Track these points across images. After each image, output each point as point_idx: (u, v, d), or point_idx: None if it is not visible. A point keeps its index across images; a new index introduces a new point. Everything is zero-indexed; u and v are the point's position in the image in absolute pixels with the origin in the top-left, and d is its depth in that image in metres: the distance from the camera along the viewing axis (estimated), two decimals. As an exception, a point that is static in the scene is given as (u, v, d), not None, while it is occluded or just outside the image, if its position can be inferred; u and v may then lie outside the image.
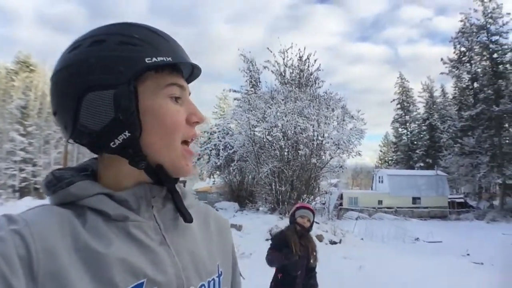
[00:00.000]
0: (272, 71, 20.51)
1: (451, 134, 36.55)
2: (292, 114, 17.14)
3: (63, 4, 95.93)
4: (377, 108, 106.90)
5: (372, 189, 43.88)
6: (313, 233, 14.10)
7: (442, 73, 38.70)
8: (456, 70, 36.64)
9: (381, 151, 71.40)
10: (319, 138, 18.29)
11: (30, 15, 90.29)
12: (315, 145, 18.04)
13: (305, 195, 18.00)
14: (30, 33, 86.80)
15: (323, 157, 18.85)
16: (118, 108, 0.66)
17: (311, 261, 3.85)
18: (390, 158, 64.00)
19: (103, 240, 0.64)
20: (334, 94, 19.39)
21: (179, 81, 0.74)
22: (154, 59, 0.68)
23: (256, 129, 18.96)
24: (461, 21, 37.15)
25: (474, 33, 35.72)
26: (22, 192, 39.28)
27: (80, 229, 0.63)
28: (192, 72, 0.79)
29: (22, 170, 41.07)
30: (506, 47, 34.02)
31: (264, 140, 18.95)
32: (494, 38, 35.02)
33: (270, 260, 3.79)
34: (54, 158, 42.59)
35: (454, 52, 37.97)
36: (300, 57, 20.29)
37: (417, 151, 52.10)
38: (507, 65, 34.11)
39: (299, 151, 17.67)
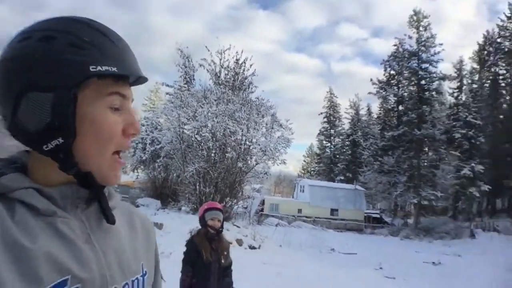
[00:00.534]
0: (207, 70, 20.41)
1: (373, 151, 38.44)
2: (223, 116, 17.12)
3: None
4: (305, 119, 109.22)
5: (293, 197, 44.85)
6: (233, 237, 14.08)
7: (370, 93, 40.69)
8: (384, 91, 38.60)
9: (304, 161, 73.72)
10: (247, 142, 18.42)
11: None
12: (242, 149, 18.15)
13: (228, 198, 18.02)
14: None
15: (249, 162, 19.02)
16: (55, 114, 0.65)
17: (222, 261, 3.81)
18: (312, 169, 66.20)
19: (31, 235, 0.63)
20: (265, 101, 19.68)
21: (122, 90, 0.72)
22: (99, 67, 0.67)
23: (185, 127, 18.63)
24: (394, 45, 39.38)
25: (405, 58, 37.95)
26: None
27: (9, 222, 0.62)
28: (138, 79, 0.78)
29: None
30: (434, 75, 36.53)
31: (193, 139, 18.73)
32: (424, 65, 37.48)
33: (183, 286, 3.73)
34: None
35: (384, 74, 40.15)
36: (237, 60, 20.37)
37: (339, 165, 54.36)
38: (433, 93, 36.54)
39: (226, 154, 17.65)
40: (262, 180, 25.09)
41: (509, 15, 40.89)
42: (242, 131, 17.55)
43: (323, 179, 52.95)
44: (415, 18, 38.11)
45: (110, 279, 0.70)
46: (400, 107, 37.80)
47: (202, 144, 18.27)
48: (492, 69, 42.98)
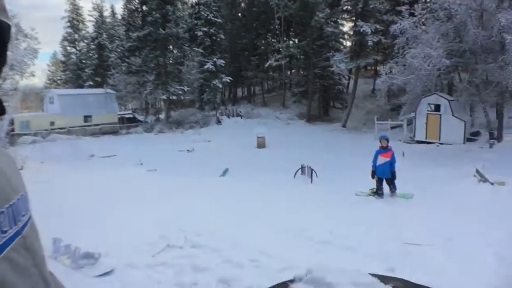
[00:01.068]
0: None
1: (119, 53, 37.70)
2: None
3: None
4: (46, 25, 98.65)
5: (43, 111, 41.41)
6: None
7: None
8: None
9: (49, 70, 67.33)
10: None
11: None
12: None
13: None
14: None
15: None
16: None
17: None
18: (59, 78, 61.30)
19: None
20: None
21: None
22: None
23: None
24: None
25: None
26: None
27: None
28: None
29: None
30: None
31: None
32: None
33: None
34: None
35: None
36: None
37: (86, 70, 51.60)
38: None
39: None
40: (9, 98, 22.58)
41: None
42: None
43: (72, 87, 49.62)
44: None
45: (8, 196, 0.77)
46: (144, 8, 37.48)
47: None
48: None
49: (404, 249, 5.79)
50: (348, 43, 40.90)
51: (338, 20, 39.26)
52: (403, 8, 23.05)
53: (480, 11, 19.67)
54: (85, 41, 54.63)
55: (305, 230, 6.78)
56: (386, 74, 22.84)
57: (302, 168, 14.76)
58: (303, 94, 40.58)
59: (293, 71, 47.82)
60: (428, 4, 23.30)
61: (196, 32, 37.34)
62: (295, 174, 14.64)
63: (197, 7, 39.46)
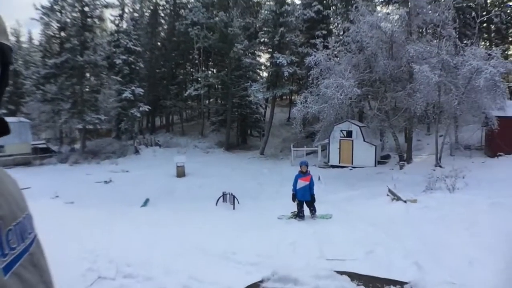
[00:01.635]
0: None
1: (35, 80, 36.08)
2: None
3: None
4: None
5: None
6: None
7: (32, 19, 37.14)
8: (47, 17, 36.04)
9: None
10: None
11: None
12: None
13: None
14: None
15: None
16: None
17: None
18: (-19, 107, 56.96)
19: None
20: None
21: None
22: None
23: None
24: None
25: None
26: None
27: None
28: None
29: None
30: (98, 2, 36.07)
31: None
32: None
33: None
34: None
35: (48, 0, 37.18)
36: None
37: (0, 97, 48.47)
38: (96, 19, 36.42)
39: None
40: None
41: None
42: None
43: (-2, 115, 46.35)
44: None
45: (15, 214, 0.83)
46: (63, 34, 36.48)
47: None
48: (153, -1, 46.45)
49: (330, 265, 6.13)
50: (265, 74, 43.07)
51: (256, 51, 41.38)
52: (318, 41, 25.05)
53: (390, 43, 21.86)
54: (1, 67, 51.61)
55: (233, 253, 7.13)
56: (301, 103, 24.11)
57: (224, 195, 15.08)
58: (222, 123, 41.69)
59: (211, 100, 48.79)
60: (341, 37, 25.43)
61: (114, 60, 36.78)
62: (217, 201, 14.89)
63: (116, 34, 38.93)
